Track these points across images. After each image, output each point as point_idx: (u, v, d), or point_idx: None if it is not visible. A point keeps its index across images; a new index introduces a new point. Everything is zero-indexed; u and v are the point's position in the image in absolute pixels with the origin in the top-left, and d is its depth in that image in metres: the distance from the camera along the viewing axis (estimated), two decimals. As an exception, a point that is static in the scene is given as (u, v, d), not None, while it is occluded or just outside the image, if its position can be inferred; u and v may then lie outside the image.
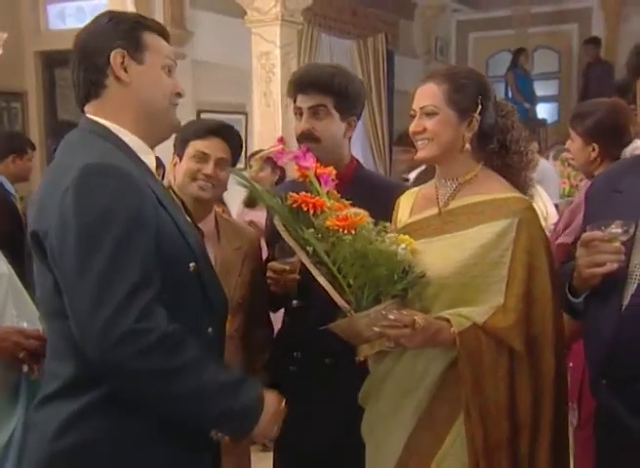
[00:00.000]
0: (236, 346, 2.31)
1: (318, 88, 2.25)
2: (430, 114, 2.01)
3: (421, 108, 2.03)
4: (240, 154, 2.45)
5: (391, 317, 1.83)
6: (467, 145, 2.02)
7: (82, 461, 1.62)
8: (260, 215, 3.78)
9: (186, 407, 1.62)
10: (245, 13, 5.83)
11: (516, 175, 2.10)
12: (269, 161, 4.72)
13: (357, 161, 2.42)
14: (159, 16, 6.18)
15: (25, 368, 1.94)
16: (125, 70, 1.67)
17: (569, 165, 5.84)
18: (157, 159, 1.80)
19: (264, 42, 5.80)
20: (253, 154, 4.77)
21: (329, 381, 2.25)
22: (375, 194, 2.17)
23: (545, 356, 1.97)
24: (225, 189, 2.42)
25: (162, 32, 1.75)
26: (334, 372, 2.24)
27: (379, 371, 2.09)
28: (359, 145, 8.26)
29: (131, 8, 5.89)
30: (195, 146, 2.29)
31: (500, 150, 2.08)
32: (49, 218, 1.59)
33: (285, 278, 2.17)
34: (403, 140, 4.37)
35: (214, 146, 2.30)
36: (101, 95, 1.70)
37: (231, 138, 2.35)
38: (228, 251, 2.36)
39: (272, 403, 1.72)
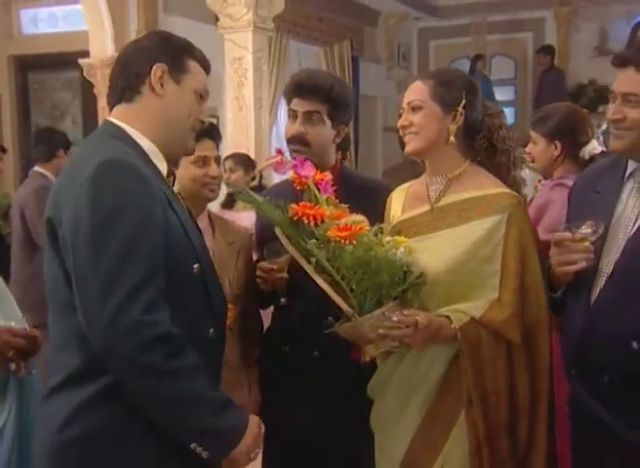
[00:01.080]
0: (235, 337, 2.31)
1: (317, 95, 2.26)
2: (416, 108, 2.05)
3: (408, 103, 2.07)
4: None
5: (394, 319, 1.85)
6: (452, 138, 2.04)
7: (88, 451, 1.63)
8: (234, 215, 3.79)
9: (172, 412, 1.61)
10: (218, 19, 5.78)
11: (505, 174, 2.11)
12: (241, 162, 4.70)
13: (342, 163, 2.43)
14: (133, 20, 6.13)
15: (13, 366, 1.94)
16: (161, 85, 1.72)
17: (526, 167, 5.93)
18: (169, 167, 1.81)
19: (237, 48, 5.76)
20: (227, 157, 4.73)
21: (317, 373, 2.26)
22: (361, 193, 2.20)
23: (540, 345, 2.00)
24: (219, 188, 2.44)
25: (205, 65, 1.81)
26: (322, 365, 2.25)
27: (384, 370, 2.11)
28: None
29: (105, 13, 5.81)
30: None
31: (489, 149, 2.10)
32: (64, 210, 1.61)
33: (273, 277, 2.19)
34: None
35: (209, 147, 2.30)
36: (133, 100, 1.74)
37: (217, 136, 2.36)
38: (223, 245, 2.37)
39: (253, 428, 1.71)
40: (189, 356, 1.61)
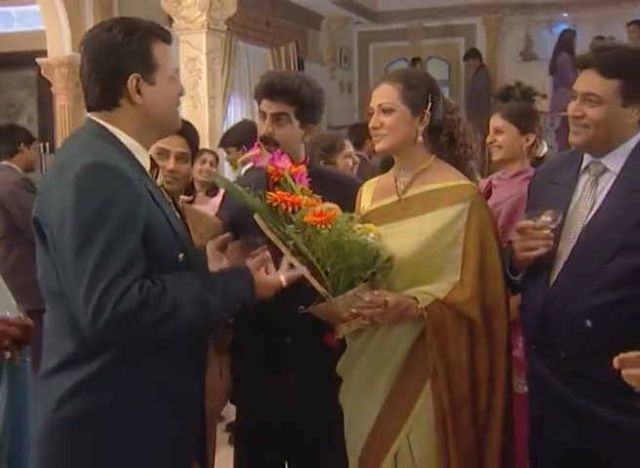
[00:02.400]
0: None
1: (284, 97, 2.23)
2: (387, 111, 2.06)
3: (379, 105, 2.07)
4: (198, 147, 2.43)
5: (366, 299, 1.88)
6: (420, 138, 2.07)
7: (82, 428, 1.64)
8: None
9: (199, 319, 1.67)
10: (172, 21, 5.72)
11: (463, 164, 2.15)
12: (208, 155, 4.66)
13: (311, 159, 2.43)
14: (89, 22, 5.99)
15: (8, 354, 1.92)
16: (139, 92, 1.68)
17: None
18: (152, 160, 1.79)
19: (191, 48, 5.69)
20: (204, 151, 4.67)
21: (290, 359, 2.26)
22: (331, 186, 2.19)
23: (498, 323, 2.03)
24: (189, 181, 2.39)
25: (167, 38, 1.75)
26: (295, 351, 2.25)
27: (354, 347, 2.12)
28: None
29: (62, 14, 5.68)
30: (155, 144, 2.22)
31: (450, 143, 2.13)
32: (50, 209, 1.61)
33: None
34: (226, 141, 4.35)
35: (173, 142, 2.24)
36: (112, 110, 1.70)
37: (188, 133, 2.31)
38: (195, 237, 2.32)
39: (253, 264, 1.80)
40: (168, 288, 1.61)
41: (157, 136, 1.83)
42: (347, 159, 3.89)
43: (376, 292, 1.91)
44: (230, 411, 2.54)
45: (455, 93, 10.13)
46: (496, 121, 2.92)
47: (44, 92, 6.48)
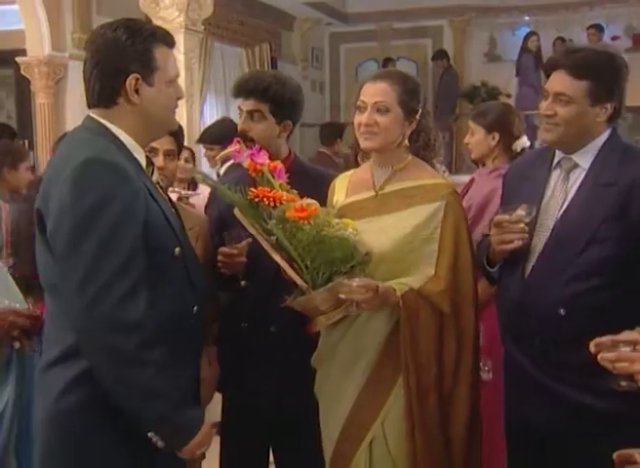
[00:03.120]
0: None
1: (255, 95, 2.26)
2: (383, 111, 2.04)
3: (375, 103, 2.04)
4: (183, 143, 2.44)
5: (353, 284, 1.88)
6: (406, 141, 2.09)
7: (84, 417, 1.64)
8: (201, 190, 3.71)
9: (135, 400, 1.59)
10: (151, 21, 5.66)
11: (429, 163, 2.17)
12: (184, 151, 4.63)
13: (295, 155, 2.43)
14: (68, 22, 5.92)
15: (17, 344, 1.92)
16: (137, 92, 1.68)
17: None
18: (147, 158, 1.79)
19: (170, 48, 5.67)
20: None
21: (274, 347, 2.27)
22: (312, 184, 2.19)
23: (467, 316, 2.06)
24: (175, 178, 2.39)
25: (170, 41, 1.75)
26: (279, 339, 2.27)
27: (330, 339, 2.13)
28: (247, 143, 8.20)
29: (42, 14, 5.61)
30: None
31: (426, 146, 2.15)
32: (51, 202, 1.60)
33: (234, 261, 2.18)
34: (204, 139, 4.35)
35: (161, 140, 2.21)
36: (110, 108, 1.70)
37: (174, 130, 2.26)
38: None
39: (206, 428, 1.69)
40: (159, 350, 1.59)
41: (153, 136, 1.82)
42: None
43: (361, 279, 1.91)
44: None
45: (423, 92, 10.16)
46: (469, 123, 2.98)
47: (23, 90, 6.39)
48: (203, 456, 1.72)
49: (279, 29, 9.25)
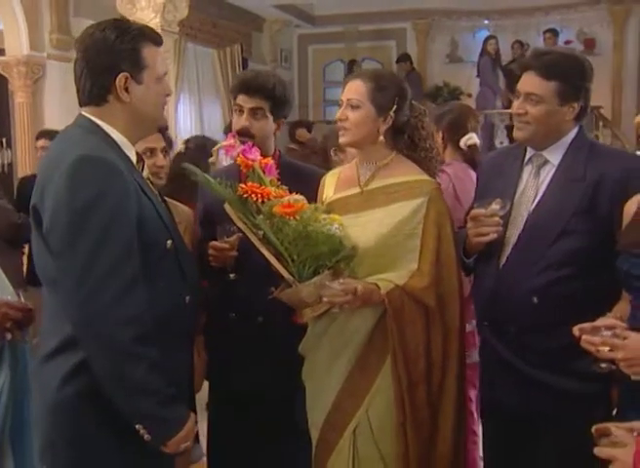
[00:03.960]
0: None
1: (261, 93, 2.27)
2: (354, 107, 2.04)
3: (348, 100, 2.06)
4: (171, 139, 2.48)
5: (337, 287, 1.88)
6: (381, 137, 2.06)
7: (84, 405, 1.63)
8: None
9: (125, 393, 1.59)
10: (128, 22, 5.62)
11: (423, 166, 2.13)
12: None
13: (280, 151, 2.44)
14: (46, 22, 5.83)
15: (9, 336, 1.89)
16: (127, 90, 1.66)
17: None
18: (137, 154, 1.78)
19: (146, 49, 5.63)
20: None
21: (262, 336, 2.27)
22: (299, 178, 2.20)
23: (451, 310, 2.05)
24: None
25: (157, 40, 1.73)
26: (265, 329, 2.27)
27: (317, 329, 2.13)
28: (220, 140, 8.16)
29: (20, 15, 5.52)
30: (140, 144, 2.24)
31: (411, 145, 2.13)
32: (46, 199, 1.59)
33: (225, 255, 2.18)
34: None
35: (156, 139, 2.27)
36: (101, 106, 1.69)
37: (162, 128, 2.33)
38: None
39: (190, 424, 1.69)
40: (153, 345, 1.59)
41: (143, 133, 1.80)
42: None
43: (341, 281, 1.91)
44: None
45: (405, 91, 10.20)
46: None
47: (1, 89, 6.27)
48: (187, 450, 1.70)
49: (250, 31, 9.22)
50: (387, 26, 9.79)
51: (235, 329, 2.31)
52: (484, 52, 8.70)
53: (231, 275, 2.25)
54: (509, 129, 7.67)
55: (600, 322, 1.61)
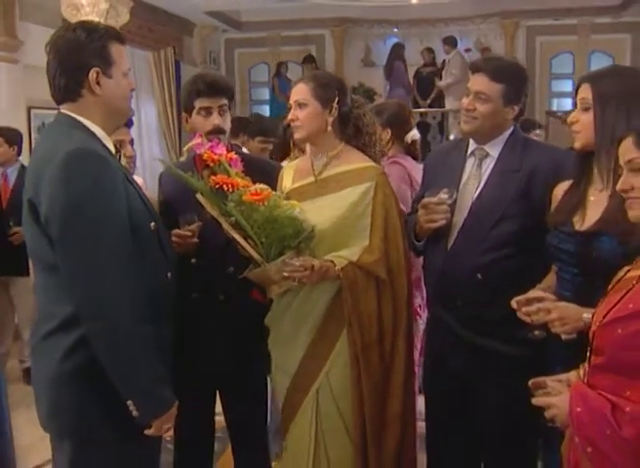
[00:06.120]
0: None
1: (225, 91, 2.28)
2: (302, 105, 2.11)
3: (295, 101, 2.12)
4: None
5: (297, 264, 1.95)
6: (330, 127, 2.12)
7: (87, 377, 1.63)
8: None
9: (122, 368, 1.60)
10: (72, 27, 5.41)
11: (369, 150, 2.19)
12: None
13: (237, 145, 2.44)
14: (-8, 26, 5.51)
15: None
16: (98, 84, 1.68)
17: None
18: (115, 146, 1.79)
19: (90, 52, 5.43)
20: None
21: (223, 313, 2.26)
22: (258, 170, 2.21)
23: (400, 281, 2.11)
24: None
25: (122, 38, 1.75)
26: (227, 306, 2.25)
27: (281, 303, 2.16)
28: (155, 138, 8.02)
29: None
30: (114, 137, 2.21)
31: (356, 133, 2.18)
32: (42, 192, 1.57)
33: (187, 242, 2.16)
34: (265, 133, 4.34)
35: (124, 132, 2.29)
36: (77, 101, 1.70)
37: (129, 122, 2.34)
38: None
39: (174, 408, 1.71)
40: (148, 326, 1.60)
41: (115, 124, 1.80)
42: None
43: (302, 259, 1.98)
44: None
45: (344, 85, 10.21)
46: None
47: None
48: (167, 431, 1.71)
49: (182, 35, 9.05)
50: (308, 32, 9.81)
51: (198, 308, 2.27)
52: (396, 56, 8.90)
53: (193, 260, 2.23)
54: (422, 126, 7.96)
55: (531, 294, 1.69)
